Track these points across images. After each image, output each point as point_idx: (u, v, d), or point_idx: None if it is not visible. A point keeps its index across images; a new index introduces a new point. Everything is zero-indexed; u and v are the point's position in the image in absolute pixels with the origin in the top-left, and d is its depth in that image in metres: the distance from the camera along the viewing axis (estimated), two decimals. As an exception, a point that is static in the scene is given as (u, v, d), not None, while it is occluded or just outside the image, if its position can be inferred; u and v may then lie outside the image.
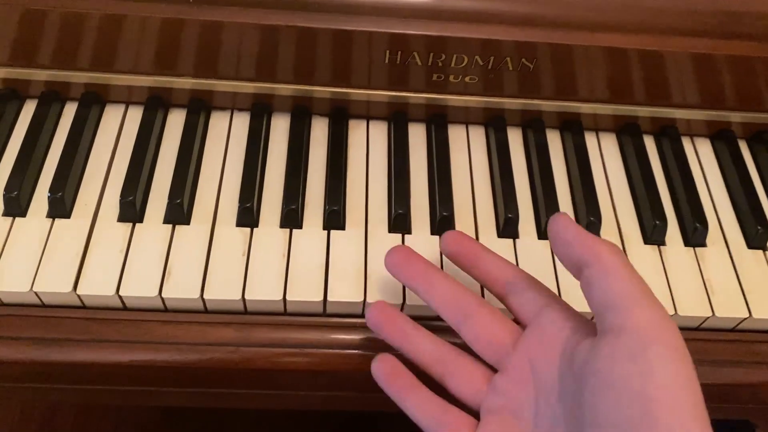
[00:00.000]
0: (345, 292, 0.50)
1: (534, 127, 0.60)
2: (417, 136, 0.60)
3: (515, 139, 0.61)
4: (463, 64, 0.54)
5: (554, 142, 0.61)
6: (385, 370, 0.45)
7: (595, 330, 0.37)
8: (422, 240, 0.53)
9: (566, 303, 0.43)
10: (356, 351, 0.50)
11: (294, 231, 0.53)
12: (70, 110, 0.58)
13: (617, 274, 0.36)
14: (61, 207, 0.51)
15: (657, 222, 0.55)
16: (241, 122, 0.59)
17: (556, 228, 0.40)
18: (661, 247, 0.55)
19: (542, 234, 0.54)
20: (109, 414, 1.09)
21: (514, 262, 0.52)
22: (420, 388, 0.43)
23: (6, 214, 0.51)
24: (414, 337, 0.45)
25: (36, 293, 0.48)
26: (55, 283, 0.48)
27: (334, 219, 0.53)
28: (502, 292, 0.45)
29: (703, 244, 0.56)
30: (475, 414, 0.43)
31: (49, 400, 1.05)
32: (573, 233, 0.39)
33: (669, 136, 0.62)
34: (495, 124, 0.60)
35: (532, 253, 0.53)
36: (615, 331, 0.34)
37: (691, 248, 0.55)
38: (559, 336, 0.40)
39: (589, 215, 0.55)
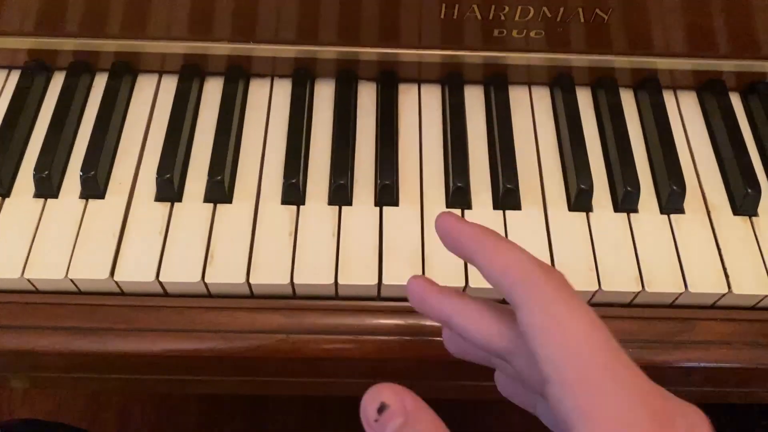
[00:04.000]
0: (401, 274, 0.45)
1: (605, 86, 0.54)
2: (474, 99, 0.55)
3: (584, 100, 0.55)
4: (529, 17, 0.48)
5: (628, 102, 0.55)
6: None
7: None
8: (484, 215, 0.48)
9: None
10: (414, 338, 0.46)
11: (343, 208, 0.48)
12: (100, 82, 0.54)
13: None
14: (94, 186, 0.48)
15: (749, 190, 0.49)
16: (283, 90, 0.54)
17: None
18: (753, 218, 0.49)
19: (618, 207, 0.49)
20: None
21: (588, 238, 0.47)
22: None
23: (37, 195, 0.48)
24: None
25: (72, 280, 0.45)
26: (91, 270, 0.45)
27: (387, 194, 0.48)
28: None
29: (803, 214, 0.50)
30: None
31: (91, 389, 1.05)
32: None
33: (758, 92, 0.55)
34: (561, 84, 0.54)
35: (607, 228, 0.48)
36: None
37: (789, 219, 0.49)
38: None
39: (671, 184, 0.49)
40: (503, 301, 0.33)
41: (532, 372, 0.30)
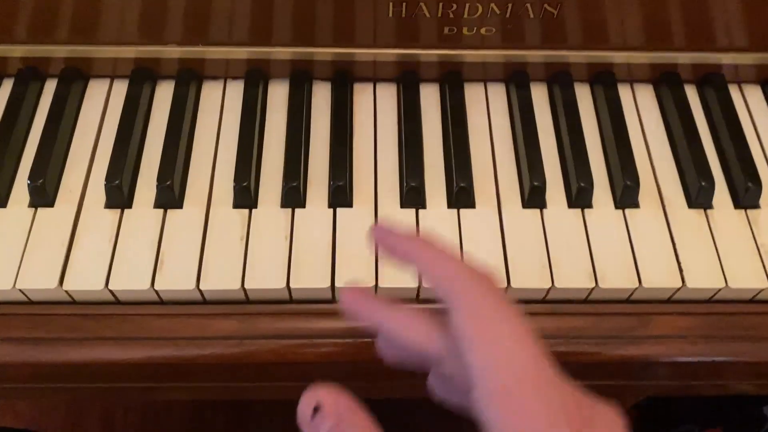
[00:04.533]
0: (354, 276, 0.45)
1: (560, 81, 0.54)
2: (430, 97, 0.54)
3: (540, 96, 0.54)
4: (478, 14, 0.48)
5: (584, 97, 0.55)
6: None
7: None
8: (438, 215, 0.48)
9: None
10: (369, 340, 0.46)
11: (296, 211, 0.48)
12: (50, 88, 0.53)
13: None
14: (43, 195, 0.47)
15: (703, 183, 0.49)
16: (236, 92, 0.54)
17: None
18: (708, 210, 0.49)
19: (572, 203, 0.49)
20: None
21: (541, 235, 0.47)
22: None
23: (-15, 205, 0.47)
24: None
25: (21, 290, 0.44)
26: (39, 279, 0.44)
27: (340, 195, 0.48)
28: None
29: (756, 206, 0.49)
30: None
31: (44, 399, 1.04)
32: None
33: (713, 84, 0.55)
34: (516, 81, 0.54)
35: (562, 224, 0.48)
36: None
37: (743, 210, 0.49)
38: None
39: (625, 179, 0.49)
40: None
41: (462, 374, 0.30)
